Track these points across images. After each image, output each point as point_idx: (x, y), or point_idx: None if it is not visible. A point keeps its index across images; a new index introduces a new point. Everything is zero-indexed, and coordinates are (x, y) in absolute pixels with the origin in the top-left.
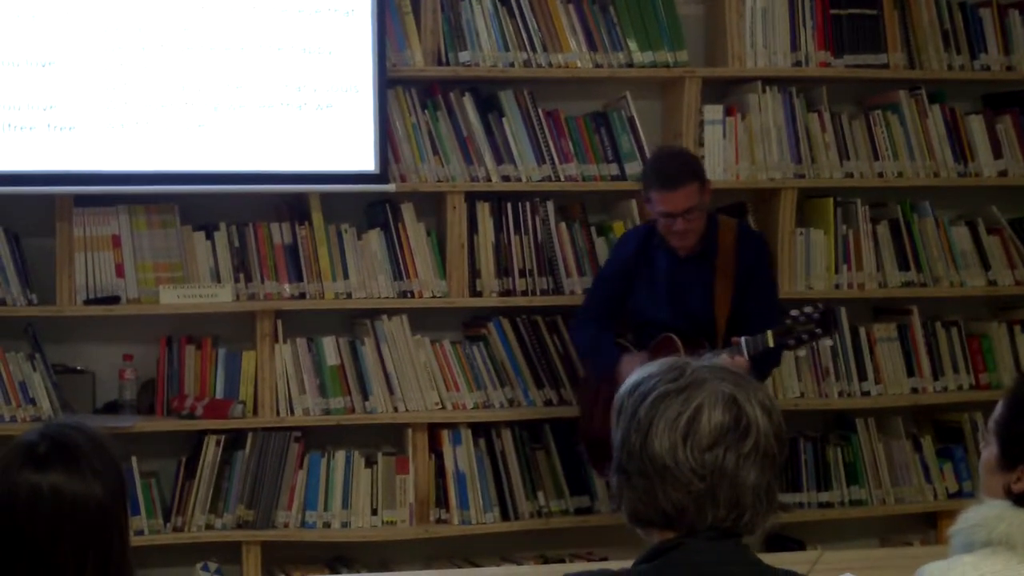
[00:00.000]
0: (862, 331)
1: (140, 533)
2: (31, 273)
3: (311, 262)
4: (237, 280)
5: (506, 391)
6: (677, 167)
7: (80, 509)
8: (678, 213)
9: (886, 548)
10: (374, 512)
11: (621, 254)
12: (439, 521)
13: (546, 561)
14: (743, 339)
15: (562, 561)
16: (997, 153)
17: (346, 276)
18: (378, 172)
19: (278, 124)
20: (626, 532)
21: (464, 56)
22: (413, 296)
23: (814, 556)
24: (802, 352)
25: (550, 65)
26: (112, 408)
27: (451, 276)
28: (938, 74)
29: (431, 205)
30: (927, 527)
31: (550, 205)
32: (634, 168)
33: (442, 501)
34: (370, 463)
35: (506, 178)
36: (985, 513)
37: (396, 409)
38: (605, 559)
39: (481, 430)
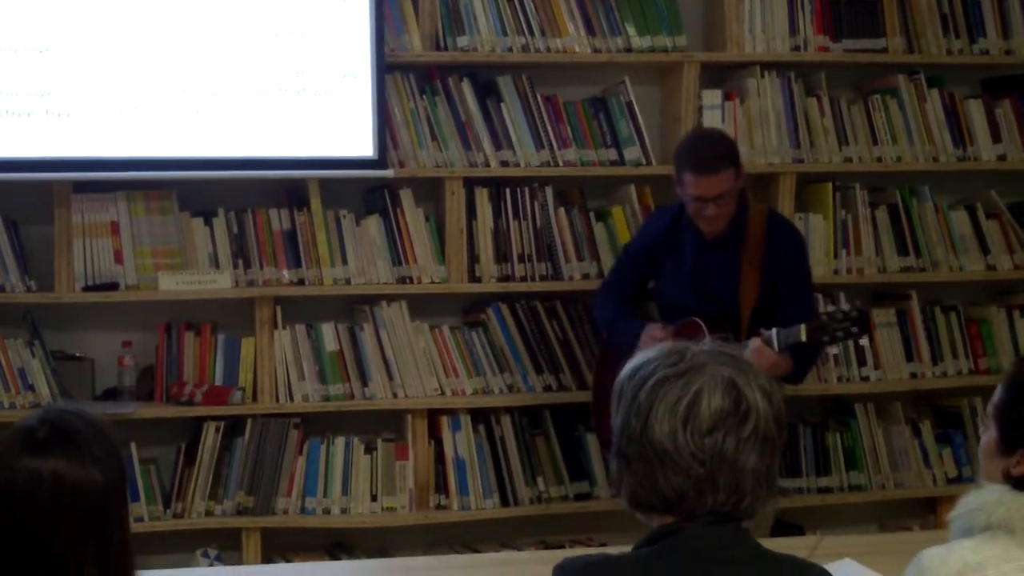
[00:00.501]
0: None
1: (140, 520)
2: (30, 260)
3: (310, 248)
4: (236, 266)
5: (505, 377)
6: (714, 152)
7: (80, 495)
8: (710, 198)
9: (885, 533)
10: (374, 498)
11: (649, 233)
12: (439, 507)
13: (546, 547)
14: (774, 331)
15: (562, 547)
16: (996, 137)
17: (345, 262)
18: (376, 158)
19: (276, 110)
20: (626, 517)
21: (462, 41)
22: (412, 282)
23: (813, 541)
24: (834, 350)
25: (548, 50)
26: (111, 395)
27: (450, 262)
28: (937, 58)
29: (430, 191)
30: (926, 512)
31: (549, 190)
32: (633, 153)
33: (442, 487)
34: (369, 449)
35: (505, 163)
36: (984, 497)
37: (395, 395)
38: (605, 544)
39: (480, 416)
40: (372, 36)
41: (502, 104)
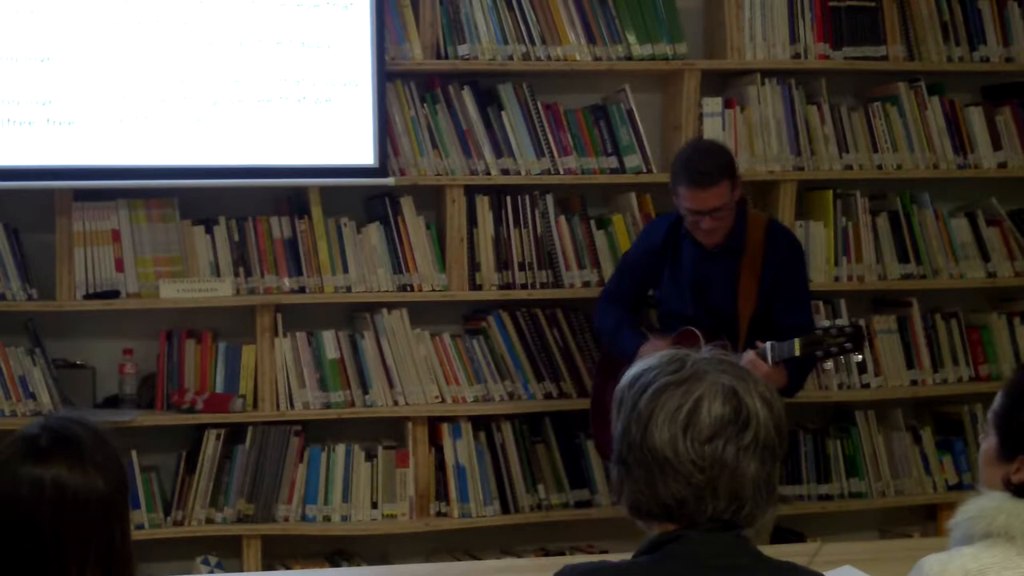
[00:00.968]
0: (862, 323)
1: (141, 527)
2: (31, 268)
3: (311, 256)
4: (237, 274)
5: (506, 384)
6: (709, 165)
7: (82, 502)
8: (706, 212)
9: (886, 540)
10: (374, 505)
11: (647, 241)
12: (439, 514)
13: (546, 554)
14: (768, 344)
15: (562, 554)
16: (996, 145)
17: (346, 270)
18: (377, 166)
19: (277, 118)
20: (626, 525)
21: (463, 49)
22: (413, 290)
23: (814, 548)
24: (828, 365)
25: (549, 58)
26: (112, 402)
27: (451, 270)
28: (937, 66)
29: (430, 199)
30: (927, 519)
31: (549, 198)
32: (633, 161)
33: (442, 494)
34: (370, 457)
35: (505, 171)
36: (984, 505)
37: (396, 403)
38: (605, 552)
39: (481, 423)
40: (373, 44)
41: (503, 112)
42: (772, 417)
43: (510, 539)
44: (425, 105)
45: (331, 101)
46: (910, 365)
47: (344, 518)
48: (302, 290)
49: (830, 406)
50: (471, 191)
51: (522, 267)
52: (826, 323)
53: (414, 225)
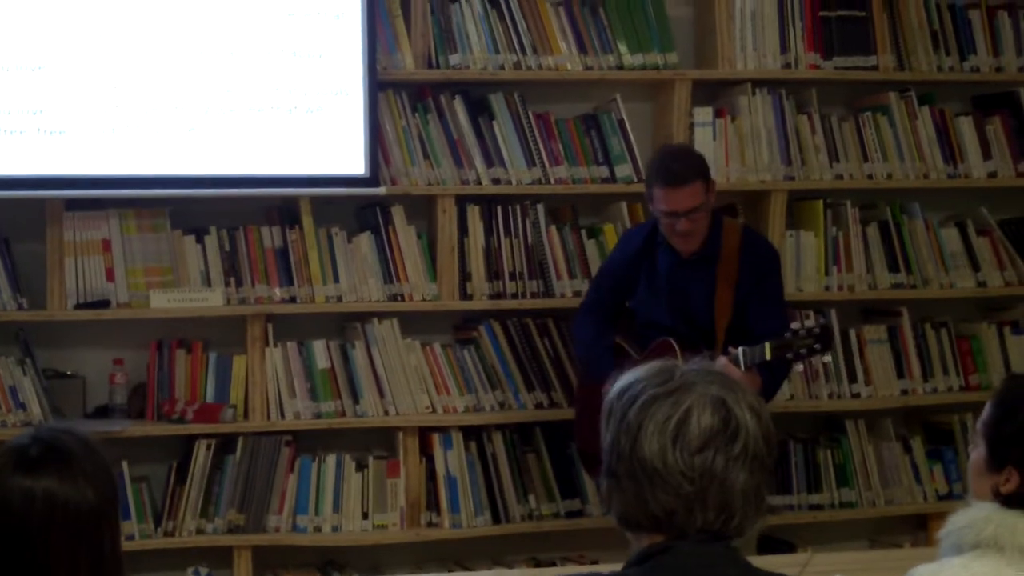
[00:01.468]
0: (852, 333)
1: (131, 538)
2: (21, 278)
3: (301, 266)
4: (227, 284)
5: (497, 394)
6: (682, 165)
7: (72, 513)
8: (681, 212)
9: (876, 550)
10: (365, 516)
11: (624, 251)
12: (430, 525)
13: (537, 564)
14: (740, 350)
15: (553, 564)
16: (987, 154)
17: (336, 280)
18: (368, 175)
19: (268, 128)
20: (617, 535)
21: (454, 59)
22: (403, 299)
23: (804, 558)
24: (799, 367)
25: (540, 67)
26: (103, 412)
27: (441, 279)
28: (927, 76)
29: (421, 208)
30: (917, 529)
31: (540, 208)
32: (624, 171)
33: (433, 504)
34: (361, 467)
35: (496, 181)
36: (973, 515)
37: (387, 413)
38: (596, 562)
39: (472, 433)
40: (364, 54)
41: (494, 121)
42: (761, 428)
43: (501, 549)
44: (416, 115)
45: (322, 111)
46: (900, 375)
47: (335, 528)
48: (293, 300)
49: (820, 416)
50: (462, 201)
51: (513, 277)
52: (795, 326)
53: (405, 235)
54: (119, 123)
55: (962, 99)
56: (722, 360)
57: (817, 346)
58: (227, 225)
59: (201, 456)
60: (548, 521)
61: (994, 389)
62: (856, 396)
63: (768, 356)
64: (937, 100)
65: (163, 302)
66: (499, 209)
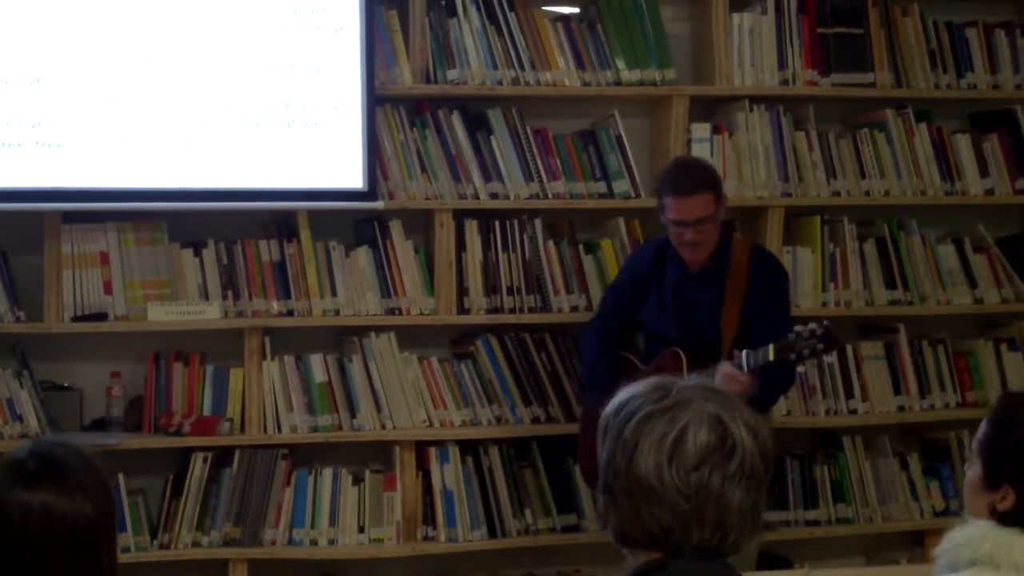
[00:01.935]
0: (849, 349)
1: (127, 550)
2: (19, 290)
3: (299, 279)
4: (225, 297)
5: (494, 408)
6: (693, 175)
7: (70, 526)
8: (690, 222)
9: (873, 566)
10: (361, 530)
11: (635, 265)
12: (426, 539)
13: None
14: (744, 353)
15: None
16: (984, 172)
17: (334, 293)
18: (366, 189)
19: (266, 141)
20: (613, 550)
21: (452, 74)
22: (401, 313)
23: (801, 574)
24: (802, 368)
25: (538, 83)
26: (100, 425)
27: (439, 293)
28: (925, 93)
29: (419, 223)
30: (914, 545)
31: (538, 223)
32: (622, 186)
33: (429, 518)
34: (357, 480)
35: (494, 196)
36: (969, 533)
37: (384, 426)
38: None
39: (468, 447)
40: (363, 69)
41: (492, 137)
42: (757, 445)
43: (497, 564)
44: (414, 129)
45: (320, 125)
46: (897, 391)
47: (331, 542)
48: (290, 313)
49: (817, 431)
50: (460, 215)
51: (510, 291)
52: (798, 327)
53: (402, 249)
54: (117, 136)
55: (959, 116)
56: (725, 366)
57: (820, 346)
58: (225, 238)
59: (197, 469)
60: (544, 536)
61: (990, 406)
62: (853, 412)
63: (772, 357)
64: (934, 117)
65: (160, 315)
66: (497, 224)
